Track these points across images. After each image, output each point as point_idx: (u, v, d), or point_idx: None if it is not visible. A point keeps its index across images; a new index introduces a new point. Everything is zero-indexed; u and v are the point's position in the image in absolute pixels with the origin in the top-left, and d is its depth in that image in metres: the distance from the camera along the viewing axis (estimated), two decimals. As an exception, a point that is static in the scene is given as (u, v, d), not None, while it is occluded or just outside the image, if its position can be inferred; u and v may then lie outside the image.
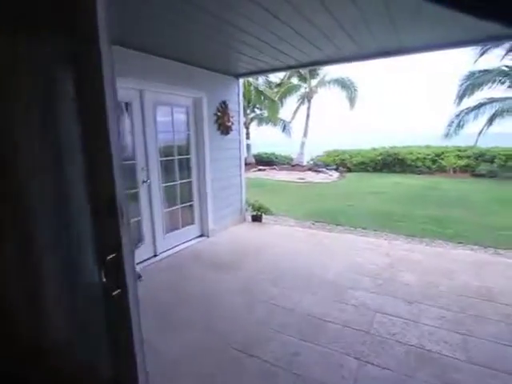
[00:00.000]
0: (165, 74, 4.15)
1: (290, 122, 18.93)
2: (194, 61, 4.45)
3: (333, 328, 2.83)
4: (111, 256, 1.07)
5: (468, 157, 14.81)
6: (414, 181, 12.80)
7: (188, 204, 5.01)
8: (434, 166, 15.05)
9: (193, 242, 5.00)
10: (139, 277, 3.74)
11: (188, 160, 4.91)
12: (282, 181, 12.92)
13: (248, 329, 2.85)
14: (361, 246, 4.90)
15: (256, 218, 6.15)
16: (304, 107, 17.97)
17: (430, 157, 15.29)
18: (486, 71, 13.71)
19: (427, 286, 3.58)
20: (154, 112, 4.18)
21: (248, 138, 18.00)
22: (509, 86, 13.54)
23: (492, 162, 14.29)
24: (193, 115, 4.87)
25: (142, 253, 4.21)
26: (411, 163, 15.24)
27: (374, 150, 16.91)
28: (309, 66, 5.53)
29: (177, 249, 4.70)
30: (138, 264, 4.06)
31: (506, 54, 13.09)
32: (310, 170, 16.22)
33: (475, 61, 14.00)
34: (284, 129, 19.20)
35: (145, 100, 4.03)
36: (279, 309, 3.16)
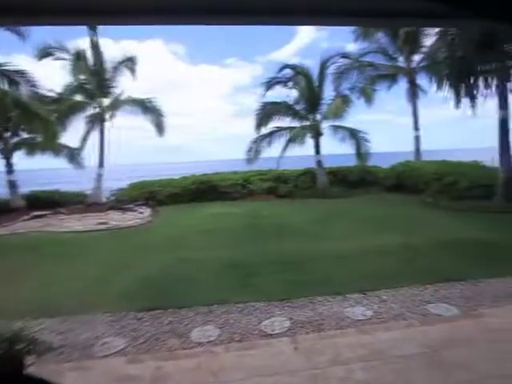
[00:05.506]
0: None
1: (79, 150, 14.24)
2: None
3: None
4: None
5: (269, 180, 15.40)
6: (233, 209, 11.68)
7: None
8: (244, 191, 14.76)
9: None
10: None
11: None
12: (72, 232, 8.60)
13: None
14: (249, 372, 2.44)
15: None
16: (103, 132, 13.88)
17: (239, 182, 14.95)
18: (275, 103, 14.73)
19: None
20: None
21: (11, 172, 12.07)
22: (293, 118, 15.07)
23: (287, 182, 15.41)
24: None
25: None
26: (224, 190, 14.38)
27: (185, 178, 15.09)
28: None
29: None
30: None
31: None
32: (112, 208, 12.39)
33: (263, 95, 14.91)
34: (72, 158, 14.29)
35: None
36: None
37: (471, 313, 3.43)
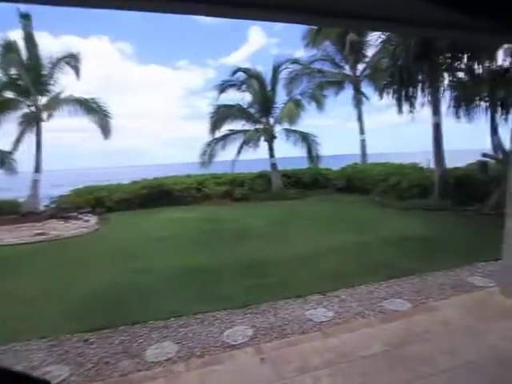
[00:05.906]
0: None
1: (11, 153, 12.67)
2: None
3: None
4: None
5: (224, 183, 15.20)
6: (188, 213, 11.26)
7: None
8: (199, 195, 14.37)
9: None
10: None
11: None
12: (3, 245, 7.56)
13: None
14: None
15: None
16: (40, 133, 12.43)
17: (193, 186, 14.52)
18: (228, 106, 14.59)
19: None
20: None
21: None
22: (246, 121, 15.04)
23: (242, 185, 15.33)
24: None
25: None
26: (178, 194, 13.84)
27: (136, 183, 14.26)
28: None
29: None
30: None
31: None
32: (52, 217, 11.24)
33: (217, 98, 14.72)
34: (2, 163, 12.67)
35: None
36: None
37: (423, 306, 3.60)
